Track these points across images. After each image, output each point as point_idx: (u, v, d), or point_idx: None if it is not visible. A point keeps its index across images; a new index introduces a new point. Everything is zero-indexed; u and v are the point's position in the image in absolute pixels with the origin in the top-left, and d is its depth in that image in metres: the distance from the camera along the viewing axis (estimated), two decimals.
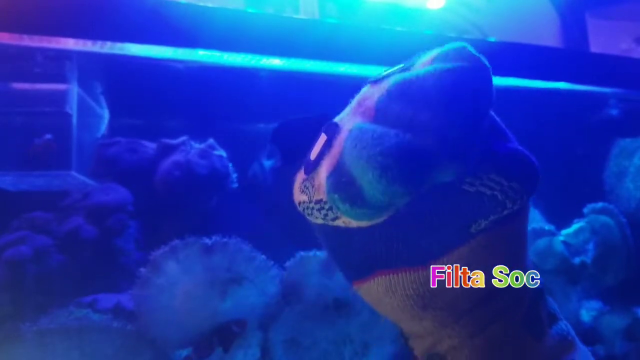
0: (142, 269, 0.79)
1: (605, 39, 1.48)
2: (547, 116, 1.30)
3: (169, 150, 0.99)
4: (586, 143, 1.34)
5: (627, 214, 1.16)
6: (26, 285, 0.84)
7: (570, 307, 1.07)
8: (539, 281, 0.41)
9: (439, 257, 0.35)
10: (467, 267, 0.35)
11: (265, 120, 1.13)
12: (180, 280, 0.80)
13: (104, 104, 0.95)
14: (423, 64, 0.37)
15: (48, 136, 0.80)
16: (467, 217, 0.34)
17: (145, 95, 1.01)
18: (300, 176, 0.38)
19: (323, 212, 0.35)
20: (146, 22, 0.81)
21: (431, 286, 0.36)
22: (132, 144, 0.99)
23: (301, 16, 1.12)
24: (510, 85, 1.11)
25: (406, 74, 0.35)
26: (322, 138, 0.36)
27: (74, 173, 0.83)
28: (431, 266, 0.35)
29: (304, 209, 0.37)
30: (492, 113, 0.39)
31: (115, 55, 0.83)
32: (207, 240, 0.81)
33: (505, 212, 0.34)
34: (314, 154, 0.36)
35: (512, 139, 0.39)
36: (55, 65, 0.82)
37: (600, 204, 1.15)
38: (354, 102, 0.38)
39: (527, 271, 0.39)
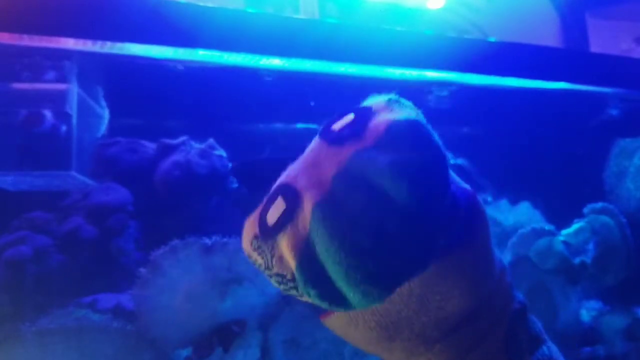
0: (142, 269, 0.79)
1: (605, 39, 1.48)
2: (547, 116, 1.30)
3: (169, 150, 0.99)
4: (586, 143, 1.34)
5: (627, 214, 1.15)
6: (26, 285, 0.84)
7: (570, 307, 1.07)
8: (517, 303, 0.41)
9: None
10: (423, 297, 0.35)
11: (266, 120, 1.13)
12: (180, 280, 0.80)
13: (104, 103, 0.95)
14: (376, 129, 0.36)
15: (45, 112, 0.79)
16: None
17: (146, 95, 1.01)
18: (252, 228, 0.38)
19: (283, 286, 0.37)
20: (146, 22, 0.81)
21: (392, 317, 0.36)
22: (132, 144, 0.99)
23: (301, 16, 1.12)
24: (510, 86, 1.11)
25: (361, 157, 0.34)
26: (280, 203, 0.36)
27: (74, 173, 0.83)
28: (386, 297, 0.35)
29: (256, 267, 0.39)
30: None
31: (115, 55, 0.83)
32: (207, 240, 0.81)
33: (442, 242, 0.34)
34: (271, 217, 0.36)
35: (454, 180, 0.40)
36: (55, 65, 0.82)
37: (600, 204, 1.15)
38: (306, 160, 0.38)
39: (494, 295, 0.39)
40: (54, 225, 0.89)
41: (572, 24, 1.46)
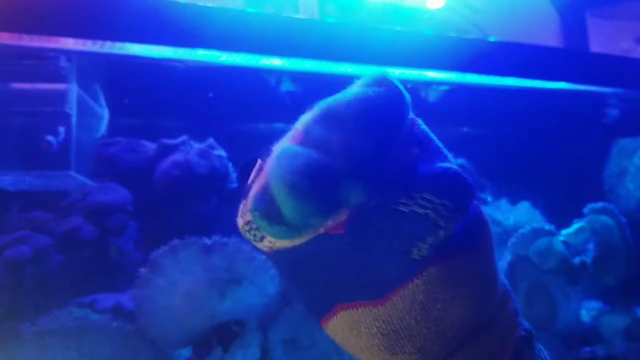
0: (142, 269, 0.79)
1: (606, 38, 1.48)
2: (547, 116, 1.30)
3: (168, 150, 0.99)
4: (586, 143, 1.34)
5: (627, 213, 1.15)
6: (25, 285, 0.84)
7: (570, 307, 1.07)
8: (523, 330, 0.39)
9: (393, 289, 0.35)
10: (425, 303, 0.35)
11: (266, 120, 1.13)
12: (179, 280, 0.80)
13: (103, 103, 0.95)
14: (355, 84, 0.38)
15: (50, 138, 0.80)
16: (406, 241, 0.34)
17: (145, 95, 1.01)
18: (243, 204, 0.39)
19: (252, 232, 0.36)
20: (146, 22, 0.81)
21: (394, 325, 0.35)
22: (132, 143, 0.99)
23: (301, 16, 1.12)
24: (510, 86, 1.11)
25: (328, 99, 0.36)
26: (259, 163, 0.37)
27: (73, 173, 0.82)
28: (389, 301, 0.35)
29: (242, 233, 0.38)
30: (427, 132, 0.40)
31: (115, 55, 0.83)
32: (206, 240, 0.81)
33: (442, 234, 0.34)
34: (251, 179, 0.37)
35: (448, 158, 0.39)
36: (55, 65, 0.82)
37: (600, 204, 1.15)
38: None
39: (498, 318, 0.38)
40: (53, 225, 0.89)
41: (572, 24, 1.46)
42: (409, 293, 0.35)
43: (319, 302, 0.38)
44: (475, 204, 0.38)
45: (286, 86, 1.06)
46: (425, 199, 0.34)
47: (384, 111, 0.35)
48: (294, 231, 0.34)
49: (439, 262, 0.35)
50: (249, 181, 0.37)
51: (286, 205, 0.33)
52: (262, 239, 0.36)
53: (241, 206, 0.39)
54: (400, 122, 0.36)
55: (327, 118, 0.35)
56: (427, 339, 0.36)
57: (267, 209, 0.34)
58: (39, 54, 0.81)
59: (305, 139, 0.35)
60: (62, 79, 0.82)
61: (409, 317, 0.35)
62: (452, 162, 0.38)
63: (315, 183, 0.33)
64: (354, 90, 0.36)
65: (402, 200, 0.34)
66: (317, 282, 0.37)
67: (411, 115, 0.39)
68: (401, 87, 0.37)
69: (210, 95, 1.04)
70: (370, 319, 0.36)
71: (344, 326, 0.37)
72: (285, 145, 0.35)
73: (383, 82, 0.37)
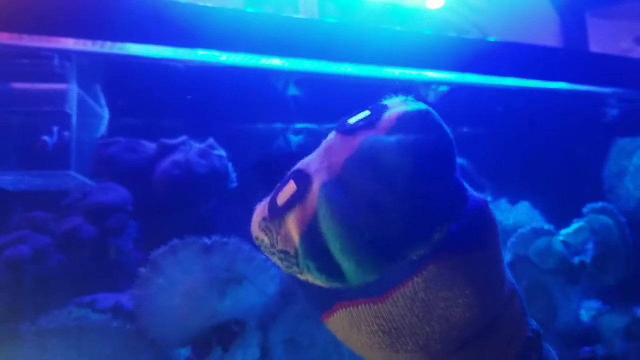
0: (142, 269, 0.79)
1: (606, 38, 1.48)
2: (546, 116, 1.30)
3: (168, 150, 0.99)
4: (586, 143, 1.34)
5: (626, 213, 1.16)
6: (26, 285, 0.84)
7: (570, 307, 1.07)
8: (530, 331, 0.39)
9: (393, 287, 0.35)
10: (427, 302, 0.35)
11: (265, 120, 1.13)
12: (180, 280, 0.80)
13: (103, 103, 0.95)
14: (389, 119, 0.38)
15: (45, 138, 0.80)
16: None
17: (145, 95, 1.01)
18: (262, 212, 0.39)
19: (286, 263, 0.37)
20: (146, 22, 0.81)
21: (396, 322, 0.35)
22: (132, 144, 0.99)
23: (301, 16, 1.12)
24: (510, 86, 1.11)
25: (374, 140, 0.36)
26: (292, 186, 0.37)
27: (73, 173, 0.82)
28: (389, 298, 0.35)
29: (262, 248, 0.39)
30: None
31: (115, 55, 0.83)
32: (207, 240, 0.81)
33: (437, 237, 0.34)
34: (281, 199, 0.37)
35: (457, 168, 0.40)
36: (55, 65, 0.82)
37: (599, 204, 1.15)
38: (321, 149, 0.39)
39: (505, 318, 0.38)
40: (53, 225, 0.89)
41: (572, 24, 1.46)
42: (410, 291, 0.35)
43: (320, 300, 0.39)
44: (482, 202, 0.38)
45: (292, 91, 1.06)
46: None
47: (439, 166, 0.35)
48: (348, 286, 0.35)
49: (440, 260, 0.35)
50: (280, 201, 0.37)
51: (351, 273, 0.34)
52: (296, 272, 0.37)
53: (259, 214, 0.39)
54: (453, 169, 0.36)
55: (377, 168, 0.35)
56: (430, 337, 0.36)
57: (327, 266, 0.34)
58: (39, 54, 0.81)
59: (348, 179, 0.35)
60: (62, 79, 0.82)
61: (410, 314, 0.35)
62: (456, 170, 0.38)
63: (384, 259, 0.34)
64: (399, 137, 0.36)
65: None
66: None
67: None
68: (447, 131, 0.37)
69: (189, 97, 1.03)
70: (371, 317, 0.36)
71: (344, 323, 0.37)
72: (328, 185, 0.35)
73: (430, 127, 0.36)
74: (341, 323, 0.38)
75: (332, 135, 0.39)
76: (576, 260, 1.07)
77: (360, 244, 0.33)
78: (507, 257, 1.06)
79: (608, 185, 1.25)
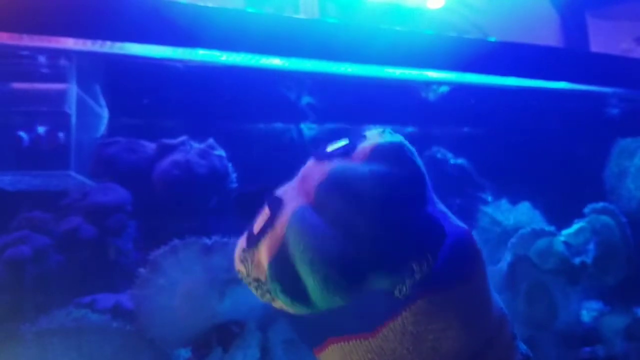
0: (142, 269, 0.79)
1: (606, 38, 1.48)
2: (547, 116, 1.30)
3: (168, 150, 0.99)
4: (586, 143, 1.34)
5: (627, 213, 1.15)
6: (25, 285, 0.84)
7: (571, 307, 1.07)
8: (519, 354, 0.40)
9: (383, 323, 0.36)
10: (416, 334, 0.35)
11: (265, 120, 1.13)
12: (179, 280, 0.79)
13: (103, 103, 0.95)
14: (364, 150, 0.38)
15: (21, 133, 0.80)
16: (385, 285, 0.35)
17: (145, 95, 1.01)
18: (242, 243, 0.40)
19: (260, 291, 0.37)
20: (146, 22, 0.81)
21: (387, 356, 0.36)
22: (132, 143, 0.99)
23: (301, 16, 1.12)
24: (510, 85, 1.10)
25: (345, 167, 0.37)
26: (266, 213, 0.38)
27: (72, 173, 0.82)
28: (379, 333, 0.36)
29: (242, 278, 0.39)
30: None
31: (115, 55, 0.82)
32: (206, 241, 0.81)
33: (418, 276, 0.35)
34: (257, 227, 0.38)
35: (433, 202, 0.40)
36: (55, 64, 0.82)
37: (600, 204, 1.15)
38: (299, 176, 0.40)
39: (494, 344, 0.38)
40: (53, 225, 0.89)
41: (572, 24, 1.46)
42: (399, 325, 0.36)
43: (310, 335, 0.39)
44: (464, 233, 0.39)
45: (306, 99, 1.06)
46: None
47: (408, 198, 0.36)
48: (314, 310, 0.35)
49: (426, 296, 0.36)
50: (256, 229, 0.38)
51: (316, 294, 0.34)
52: (270, 300, 0.37)
53: (239, 247, 0.39)
54: (423, 203, 0.37)
55: (348, 194, 0.36)
56: None
57: (291, 287, 0.35)
58: (39, 54, 0.81)
59: (320, 204, 0.36)
60: (61, 79, 0.82)
61: (401, 347, 0.36)
62: (434, 203, 0.39)
63: (350, 280, 0.34)
64: (371, 168, 0.37)
65: None
66: (309, 319, 0.37)
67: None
68: (419, 165, 0.38)
69: (188, 97, 1.03)
70: (362, 351, 0.37)
71: (335, 357, 0.38)
72: (299, 210, 0.36)
73: (402, 161, 0.37)
74: (333, 357, 0.38)
75: (309, 162, 0.40)
76: (577, 260, 1.07)
77: (325, 263, 0.34)
78: (507, 257, 1.06)
79: (609, 185, 1.25)
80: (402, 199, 0.36)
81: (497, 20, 1.34)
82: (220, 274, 0.80)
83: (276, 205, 0.38)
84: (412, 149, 0.39)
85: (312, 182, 0.37)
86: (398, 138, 0.39)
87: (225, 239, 0.81)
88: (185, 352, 0.81)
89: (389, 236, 0.35)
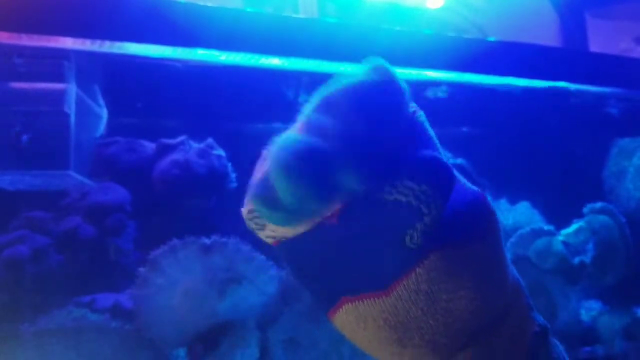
0: (141, 269, 0.79)
1: (605, 38, 1.48)
2: (546, 116, 1.30)
3: (167, 149, 0.99)
4: (585, 143, 1.34)
5: (626, 213, 1.15)
6: (24, 285, 0.84)
7: (570, 307, 1.07)
8: (537, 326, 0.39)
9: (395, 279, 0.35)
10: (430, 293, 0.35)
11: (265, 120, 1.13)
12: (179, 280, 0.79)
13: (102, 103, 0.95)
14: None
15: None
16: (396, 229, 0.34)
17: (144, 95, 1.01)
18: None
19: (254, 221, 0.37)
20: (145, 21, 0.81)
21: (401, 316, 0.35)
22: (131, 143, 0.99)
23: (300, 15, 1.12)
24: (509, 85, 1.11)
25: (327, 87, 0.37)
26: (263, 153, 0.38)
27: (72, 172, 0.82)
28: (394, 291, 0.35)
29: (246, 223, 0.39)
30: (424, 123, 0.40)
31: (114, 55, 0.82)
32: (206, 240, 0.81)
33: (428, 220, 0.34)
34: (255, 170, 0.38)
35: (435, 146, 0.39)
36: (53, 64, 0.82)
37: (599, 204, 1.15)
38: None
39: (510, 313, 0.37)
40: (52, 224, 0.89)
41: (572, 24, 1.46)
42: (413, 282, 0.35)
43: (324, 295, 0.38)
44: (481, 195, 0.39)
45: (300, 97, 1.06)
46: (406, 187, 0.35)
47: (377, 97, 0.36)
48: (292, 217, 0.34)
49: (439, 250, 0.35)
50: (254, 173, 0.38)
51: (282, 188, 0.33)
52: (263, 227, 0.37)
53: (246, 197, 0.39)
54: (395, 108, 0.37)
55: (324, 105, 0.36)
56: (434, 331, 0.35)
57: (266, 195, 0.34)
58: (38, 54, 0.81)
59: (306, 128, 0.36)
60: (60, 78, 0.82)
61: (415, 308, 0.35)
62: (438, 150, 0.38)
63: (310, 164, 0.33)
64: (350, 78, 0.37)
65: (386, 189, 0.34)
66: (320, 274, 0.37)
67: (413, 107, 0.39)
68: (396, 75, 0.38)
69: (188, 96, 1.03)
70: (377, 311, 0.36)
71: (350, 319, 0.37)
72: (286, 133, 0.36)
73: (378, 71, 0.37)
74: (347, 318, 0.37)
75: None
76: (576, 260, 1.07)
77: (294, 155, 0.33)
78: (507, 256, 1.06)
79: (608, 185, 1.25)
80: (374, 101, 0.36)
81: (496, 19, 1.34)
82: (220, 273, 0.80)
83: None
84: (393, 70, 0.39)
85: (301, 116, 0.38)
86: (380, 59, 0.39)
87: (225, 239, 0.81)
88: (184, 352, 0.81)
89: (360, 133, 0.34)
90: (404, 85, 0.38)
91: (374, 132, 0.35)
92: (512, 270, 0.40)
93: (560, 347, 0.41)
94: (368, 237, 0.35)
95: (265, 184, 0.35)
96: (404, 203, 0.34)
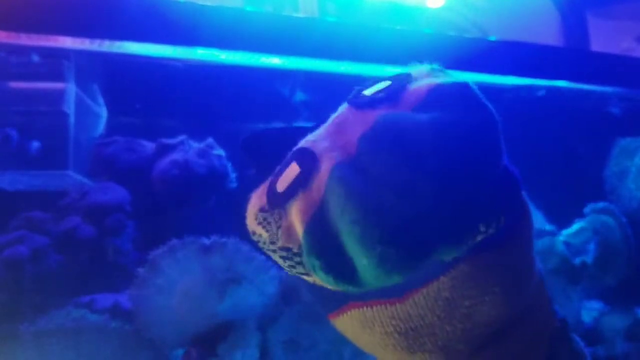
0: (141, 269, 0.79)
1: (606, 37, 1.48)
2: (547, 115, 1.29)
3: (167, 149, 0.99)
4: (587, 142, 1.34)
5: (628, 213, 1.15)
6: (24, 285, 0.84)
7: (571, 307, 1.06)
8: (558, 321, 0.36)
9: (415, 288, 0.31)
10: (451, 300, 0.31)
11: (265, 119, 1.13)
12: (178, 280, 0.79)
13: (101, 102, 0.95)
14: (416, 92, 0.32)
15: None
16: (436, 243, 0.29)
17: (144, 94, 1.01)
18: (259, 201, 0.34)
19: (288, 262, 0.32)
20: (145, 21, 0.81)
21: (413, 323, 0.31)
22: (130, 143, 0.99)
23: (300, 15, 1.12)
24: (510, 84, 1.10)
25: (399, 115, 0.30)
26: (294, 168, 0.31)
27: (71, 172, 0.82)
28: (409, 299, 0.31)
29: (260, 244, 0.34)
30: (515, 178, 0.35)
31: (114, 54, 0.82)
32: (205, 240, 0.80)
33: (480, 238, 0.30)
34: (282, 184, 0.32)
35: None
36: (53, 64, 0.81)
37: (601, 204, 1.15)
38: (330, 124, 0.34)
39: (532, 310, 0.34)
40: (51, 224, 0.89)
41: (573, 23, 1.46)
42: (434, 290, 0.31)
43: (329, 298, 0.34)
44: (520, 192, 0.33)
45: (300, 96, 1.05)
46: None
47: (483, 152, 0.30)
48: (362, 289, 0.30)
49: (474, 259, 0.31)
50: (281, 186, 0.31)
51: (369, 274, 0.28)
52: (300, 273, 0.32)
53: (255, 204, 0.33)
54: (499, 158, 0.31)
55: (404, 147, 0.29)
56: (450, 337, 0.32)
57: (338, 264, 0.29)
58: (37, 53, 0.81)
59: (366, 159, 0.29)
60: (60, 78, 0.82)
61: (431, 314, 0.31)
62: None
63: (413, 257, 0.28)
64: (433, 115, 0.30)
65: None
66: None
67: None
68: (491, 109, 0.31)
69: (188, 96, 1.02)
70: (386, 317, 0.32)
71: (355, 323, 0.33)
72: (340, 168, 0.29)
73: (470, 104, 0.31)
74: (352, 323, 0.34)
75: (343, 109, 0.34)
76: (577, 260, 1.07)
77: (382, 239, 0.27)
78: None
79: (609, 185, 1.25)
80: (476, 151, 0.29)
81: (497, 19, 1.34)
82: (219, 273, 0.80)
83: (308, 160, 0.31)
84: (478, 90, 0.32)
85: (352, 133, 0.31)
86: (459, 79, 0.32)
87: (224, 239, 0.81)
88: (183, 353, 0.81)
89: (458, 199, 0.28)
90: (498, 122, 0.32)
91: (471, 195, 0.29)
92: (537, 262, 0.36)
93: (580, 343, 0.38)
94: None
95: (330, 245, 0.29)
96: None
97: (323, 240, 0.29)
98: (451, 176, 0.29)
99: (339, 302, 0.34)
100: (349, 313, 0.33)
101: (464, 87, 0.32)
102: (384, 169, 0.29)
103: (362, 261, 0.28)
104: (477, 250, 0.30)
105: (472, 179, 0.29)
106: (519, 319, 0.33)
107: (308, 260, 0.30)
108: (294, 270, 0.32)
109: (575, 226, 1.11)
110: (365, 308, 0.32)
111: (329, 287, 0.31)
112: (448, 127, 0.29)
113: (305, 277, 0.32)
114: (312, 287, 0.34)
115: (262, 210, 0.33)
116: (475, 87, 0.32)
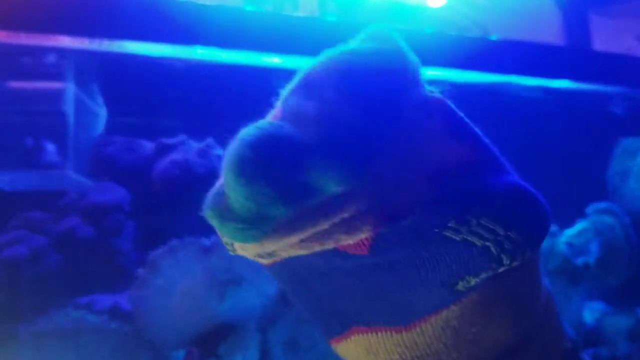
0: (140, 270, 0.79)
1: (608, 37, 1.47)
2: (548, 115, 1.29)
3: (167, 149, 0.98)
4: (589, 142, 1.34)
5: (630, 213, 1.15)
6: (23, 286, 0.83)
7: (573, 308, 1.06)
8: (568, 341, 0.34)
9: (423, 316, 0.29)
10: (459, 329, 0.29)
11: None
12: (178, 281, 0.79)
13: (101, 102, 0.94)
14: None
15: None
16: (453, 274, 0.27)
17: (144, 94, 1.00)
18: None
19: (223, 240, 0.30)
20: (144, 20, 0.80)
21: (419, 351, 0.30)
22: (130, 143, 0.99)
23: (300, 14, 1.11)
24: (512, 83, 1.10)
25: (313, 62, 0.30)
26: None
27: (70, 172, 0.82)
28: (416, 327, 0.29)
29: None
30: (462, 120, 0.33)
31: (113, 53, 0.82)
32: (205, 241, 0.80)
33: (502, 269, 0.27)
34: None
35: (509, 168, 0.31)
36: (52, 63, 0.81)
37: (603, 204, 1.14)
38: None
39: (541, 330, 0.32)
40: (50, 225, 0.89)
41: (575, 22, 1.46)
42: (442, 319, 0.29)
43: (331, 322, 0.33)
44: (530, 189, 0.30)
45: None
46: (483, 227, 0.27)
47: (374, 73, 0.28)
48: (250, 226, 0.26)
49: (484, 288, 0.29)
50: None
51: (235, 191, 0.25)
52: (232, 245, 0.30)
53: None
54: (400, 90, 0.28)
55: (305, 84, 0.28)
56: None
57: (217, 204, 0.27)
58: (36, 52, 0.80)
59: (283, 114, 0.28)
60: (59, 77, 0.82)
61: (437, 342, 0.30)
62: (513, 171, 0.30)
63: (269, 156, 0.25)
64: (342, 48, 0.29)
65: (451, 225, 0.26)
66: (329, 301, 0.32)
67: (432, 91, 0.31)
68: (403, 45, 0.30)
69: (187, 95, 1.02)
70: (391, 345, 0.30)
71: (358, 349, 0.32)
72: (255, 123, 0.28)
73: (379, 38, 0.30)
74: (355, 349, 0.32)
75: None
76: (579, 260, 1.06)
77: (243, 151, 0.25)
78: None
79: (611, 185, 1.24)
80: (370, 74, 0.28)
81: (498, 18, 1.33)
82: (219, 274, 0.80)
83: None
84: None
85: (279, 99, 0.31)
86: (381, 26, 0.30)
87: None
88: (184, 354, 0.80)
89: (345, 119, 0.26)
90: (416, 61, 0.30)
91: (370, 119, 0.27)
92: (545, 282, 0.34)
93: None
94: (404, 273, 0.28)
95: (217, 190, 0.28)
96: (477, 247, 0.27)
97: (214, 192, 0.28)
98: (337, 96, 0.27)
99: (343, 327, 0.32)
100: (352, 338, 0.32)
101: (377, 29, 0.30)
102: (289, 107, 0.28)
103: (228, 179, 0.26)
104: (494, 279, 0.28)
105: (357, 106, 0.27)
106: (528, 338, 0.32)
107: (207, 216, 0.29)
108: (229, 249, 0.31)
109: (578, 226, 1.11)
110: (370, 334, 0.31)
111: (229, 238, 0.29)
112: (348, 53, 0.29)
113: (236, 251, 0.31)
114: (312, 310, 0.33)
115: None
116: (393, 32, 0.31)
